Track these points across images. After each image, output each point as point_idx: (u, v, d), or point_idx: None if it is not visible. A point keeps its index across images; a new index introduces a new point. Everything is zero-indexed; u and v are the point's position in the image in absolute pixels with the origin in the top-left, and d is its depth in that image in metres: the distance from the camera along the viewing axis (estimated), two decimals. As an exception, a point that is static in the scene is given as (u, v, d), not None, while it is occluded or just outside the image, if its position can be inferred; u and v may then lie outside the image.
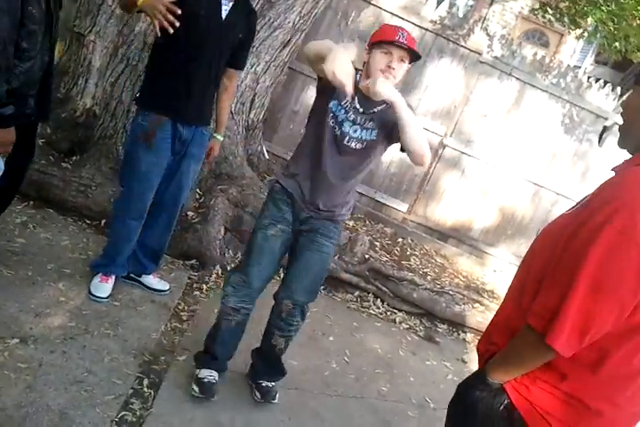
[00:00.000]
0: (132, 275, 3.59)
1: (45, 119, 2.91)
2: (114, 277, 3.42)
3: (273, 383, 3.16)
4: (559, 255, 1.63)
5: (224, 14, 3.01)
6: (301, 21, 4.89)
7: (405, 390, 3.73)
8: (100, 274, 3.39)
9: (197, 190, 4.42)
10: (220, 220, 4.21)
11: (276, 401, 3.12)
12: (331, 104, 2.73)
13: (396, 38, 2.59)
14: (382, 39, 2.63)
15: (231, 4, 3.03)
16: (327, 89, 2.68)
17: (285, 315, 2.94)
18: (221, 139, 3.56)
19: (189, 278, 3.99)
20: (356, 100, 2.72)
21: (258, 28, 4.53)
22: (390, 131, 2.74)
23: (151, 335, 3.22)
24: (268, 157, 5.45)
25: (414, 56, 2.68)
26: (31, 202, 4.06)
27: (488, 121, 6.05)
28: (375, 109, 2.73)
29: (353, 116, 2.72)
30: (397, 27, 2.73)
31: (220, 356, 3.04)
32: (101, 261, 3.43)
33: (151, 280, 3.64)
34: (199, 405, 2.86)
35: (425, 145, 2.66)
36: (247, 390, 3.15)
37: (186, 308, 3.66)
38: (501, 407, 1.72)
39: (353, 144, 2.74)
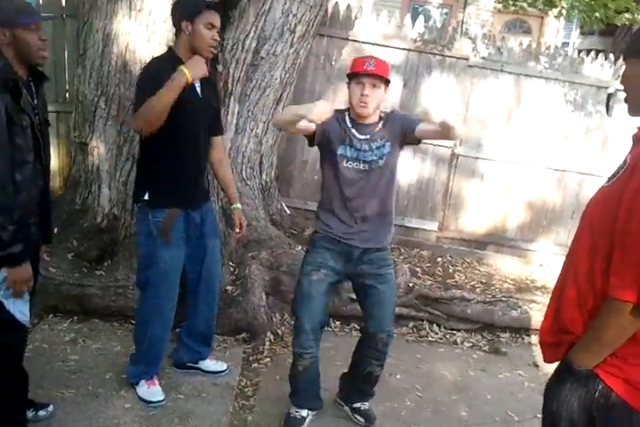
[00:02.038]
0: (188, 364, 3.64)
1: (49, 242, 2.94)
2: (156, 376, 3.41)
3: (367, 404, 3.42)
4: (624, 226, 1.66)
5: (199, 91, 3.13)
6: (287, 75, 4.97)
7: (486, 409, 3.72)
8: (143, 381, 3.36)
9: (230, 263, 4.47)
10: (259, 286, 4.27)
11: (375, 422, 3.35)
12: (339, 151, 3.00)
13: (364, 68, 2.88)
14: (353, 71, 2.93)
15: (200, 81, 3.12)
16: (323, 141, 3.02)
17: (381, 346, 3.18)
18: (240, 207, 3.58)
19: (244, 352, 4.02)
20: (354, 131, 2.99)
21: (248, 91, 4.76)
22: (399, 137, 2.99)
23: (221, 420, 3.27)
24: (289, 212, 5.49)
25: (385, 79, 2.93)
26: (75, 317, 4.14)
27: (493, 121, 6.04)
28: (376, 129, 2.99)
29: (361, 145, 2.98)
30: (367, 57, 3.05)
31: (302, 402, 3.32)
32: (138, 369, 3.39)
33: (208, 363, 3.67)
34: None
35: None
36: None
37: (248, 383, 3.71)
38: (596, 394, 1.75)
39: (374, 165, 2.99)
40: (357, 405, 3.40)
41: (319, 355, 3.25)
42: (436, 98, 5.94)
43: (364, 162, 2.99)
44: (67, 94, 5.33)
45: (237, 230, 3.53)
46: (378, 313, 3.16)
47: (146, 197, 3.13)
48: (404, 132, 2.99)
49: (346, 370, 3.47)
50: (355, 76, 2.92)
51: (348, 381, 3.44)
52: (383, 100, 2.99)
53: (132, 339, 3.43)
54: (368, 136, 2.98)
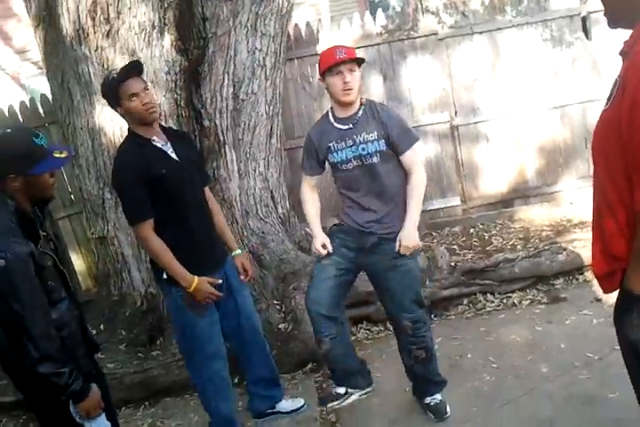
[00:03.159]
0: (267, 411, 3.71)
1: (97, 351, 2.95)
2: None
3: (438, 396, 3.44)
4: (630, 140, 1.72)
5: (174, 156, 3.11)
6: (271, 107, 5.11)
7: (564, 358, 3.74)
8: None
9: (274, 302, 4.58)
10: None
11: (448, 415, 3.36)
12: (331, 160, 3.19)
13: (337, 57, 3.00)
14: (328, 66, 3.03)
15: (169, 143, 3.13)
16: (322, 160, 3.25)
17: (411, 331, 3.27)
18: (240, 252, 3.53)
19: (315, 382, 4.11)
20: (339, 125, 3.16)
21: (239, 135, 4.91)
22: (389, 136, 3.09)
23: None
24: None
25: (359, 60, 3.10)
26: (146, 403, 4.24)
27: (480, 83, 6.08)
28: (356, 118, 3.12)
29: (350, 141, 3.11)
30: (332, 48, 3.10)
31: (337, 378, 3.56)
32: None
33: (285, 405, 3.73)
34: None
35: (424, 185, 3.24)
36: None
37: (329, 410, 3.73)
38: None
39: (370, 160, 3.10)
40: (428, 400, 3.44)
41: (344, 337, 3.41)
42: (419, 80, 6.04)
43: (357, 159, 3.10)
44: (71, 197, 5.57)
45: (242, 277, 3.47)
46: (396, 298, 3.23)
47: (164, 276, 3.12)
48: (394, 147, 3.10)
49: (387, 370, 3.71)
50: (329, 69, 3.03)
51: (410, 375, 3.50)
52: (360, 91, 3.12)
53: (204, 408, 3.50)
54: (351, 125, 3.11)
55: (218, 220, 3.45)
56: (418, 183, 3.17)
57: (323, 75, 3.10)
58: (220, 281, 3.18)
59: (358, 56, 3.10)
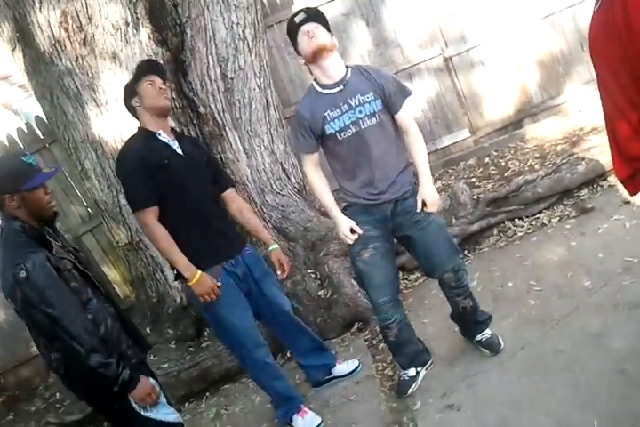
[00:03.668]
0: (325, 378, 3.78)
1: (148, 350, 3.05)
2: (302, 405, 3.53)
3: (488, 331, 3.47)
4: (629, 39, 1.68)
5: (179, 151, 3.17)
6: (262, 79, 5.10)
7: (604, 268, 3.73)
8: (295, 415, 3.48)
9: (308, 271, 4.62)
10: (345, 276, 4.40)
11: (502, 347, 3.40)
12: (327, 131, 3.03)
13: (295, 20, 2.96)
14: (291, 31, 3.00)
15: (175, 141, 3.19)
16: (317, 135, 3.09)
17: (455, 283, 3.27)
18: (277, 246, 3.55)
19: (365, 340, 4.17)
20: (327, 91, 3.03)
21: (237, 114, 4.91)
22: (385, 94, 3.02)
23: (381, 409, 3.43)
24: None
25: (321, 17, 3.02)
26: (206, 394, 4.35)
27: (462, 9, 5.97)
28: (345, 79, 3.01)
29: (345, 106, 2.99)
30: (295, 13, 3.03)
31: (406, 361, 3.45)
32: (283, 410, 3.52)
33: (340, 368, 3.80)
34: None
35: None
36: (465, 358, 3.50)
37: (385, 364, 3.83)
38: None
39: (369, 122, 3.00)
40: (479, 337, 3.46)
41: (405, 318, 3.38)
42: (402, 18, 5.96)
43: (355, 124, 2.98)
44: (89, 210, 5.66)
45: (279, 273, 3.50)
46: (431, 258, 3.21)
47: (174, 272, 3.21)
48: (389, 104, 3.04)
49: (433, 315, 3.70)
50: (295, 33, 2.97)
51: (457, 320, 3.54)
52: (335, 44, 3.03)
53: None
54: (341, 86, 2.99)
55: (248, 220, 3.50)
56: (420, 139, 3.15)
57: (293, 42, 3.03)
58: (219, 284, 3.16)
59: (322, 19, 3.01)
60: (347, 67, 3.06)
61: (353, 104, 2.98)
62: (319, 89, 3.05)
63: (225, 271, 3.23)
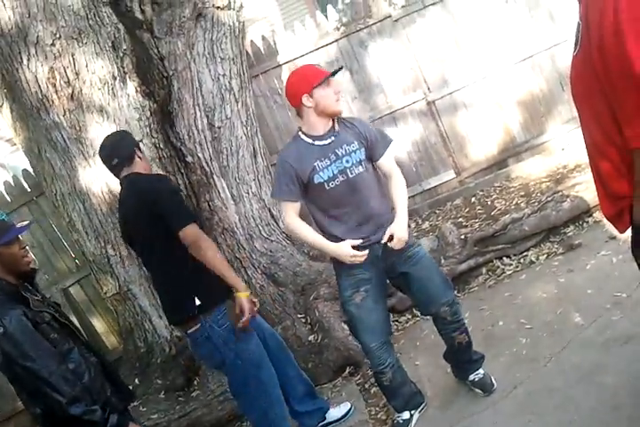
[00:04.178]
0: (320, 425, 3.73)
1: (132, 400, 3.05)
2: None
3: (481, 371, 3.45)
4: (606, 78, 1.73)
5: None
6: (249, 127, 5.15)
7: (594, 304, 3.73)
8: None
9: (298, 316, 4.60)
10: (335, 320, 4.36)
11: (495, 386, 3.38)
12: (316, 180, 3.01)
13: (323, 70, 3.05)
14: (320, 79, 2.97)
15: None
16: (303, 186, 3.06)
17: (451, 317, 3.25)
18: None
19: (357, 384, 4.13)
20: (318, 142, 3.03)
21: (224, 162, 4.94)
22: (368, 143, 3.08)
23: None
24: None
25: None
26: None
27: (445, 54, 6.09)
28: (334, 131, 3.05)
29: (333, 156, 3.01)
30: (304, 67, 3.16)
31: (400, 405, 3.42)
32: None
33: (333, 413, 3.77)
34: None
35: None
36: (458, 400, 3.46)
37: (377, 409, 3.79)
38: None
39: (356, 171, 3.03)
40: (472, 377, 3.44)
41: (397, 361, 3.36)
42: (385, 67, 6.07)
43: (342, 173, 3.00)
44: (76, 262, 5.66)
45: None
46: (427, 293, 3.20)
47: (197, 303, 3.10)
48: (372, 152, 3.10)
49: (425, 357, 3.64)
50: (320, 83, 2.95)
51: (450, 358, 3.52)
52: None
53: None
54: (333, 138, 3.02)
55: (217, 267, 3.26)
56: (402, 182, 3.19)
57: (309, 92, 2.96)
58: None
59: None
60: (333, 119, 3.09)
61: (340, 154, 3.01)
62: (308, 140, 3.05)
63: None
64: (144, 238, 3.23)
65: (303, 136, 3.07)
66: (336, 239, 3.09)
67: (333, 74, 3.02)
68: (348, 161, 3.01)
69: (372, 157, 3.12)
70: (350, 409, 3.81)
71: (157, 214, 3.05)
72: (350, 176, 3.02)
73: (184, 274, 3.14)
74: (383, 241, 3.07)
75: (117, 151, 3.20)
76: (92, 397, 2.51)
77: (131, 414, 2.89)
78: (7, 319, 2.41)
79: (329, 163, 3.01)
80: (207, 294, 3.15)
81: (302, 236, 3.17)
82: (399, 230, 3.05)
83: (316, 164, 3.00)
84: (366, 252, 3.03)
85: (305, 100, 2.97)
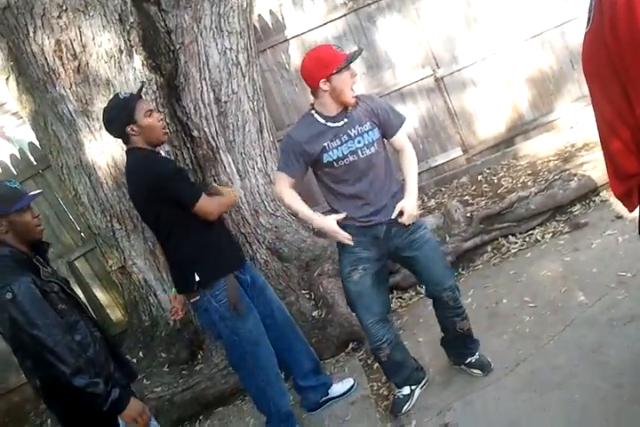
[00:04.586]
0: (321, 400, 3.75)
1: (135, 378, 3.04)
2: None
3: (477, 354, 3.46)
4: (619, 56, 1.72)
5: None
6: (255, 102, 5.13)
7: (598, 283, 3.74)
8: None
9: (302, 292, 4.62)
10: (339, 296, 4.36)
11: (492, 366, 3.41)
12: (325, 159, 3.01)
13: (344, 54, 2.92)
14: (340, 65, 2.88)
15: None
16: (309, 162, 3.07)
17: (452, 302, 3.25)
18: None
19: (360, 360, 4.15)
20: (331, 124, 3.00)
21: (231, 137, 4.92)
22: (381, 122, 3.06)
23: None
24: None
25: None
26: (200, 417, 4.30)
27: (453, 30, 6.02)
28: (349, 111, 3.01)
29: (345, 136, 2.99)
30: (329, 47, 3.02)
31: (400, 380, 3.45)
32: None
33: (336, 388, 3.79)
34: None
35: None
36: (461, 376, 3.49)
37: (379, 384, 3.82)
38: None
39: (368, 151, 3.01)
40: (468, 360, 3.46)
41: (397, 338, 3.39)
42: (393, 43, 6.01)
43: (353, 153, 2.99)
44: (82, 235, 5.68)
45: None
46: (430, 277, 3.21)
47: (197, 279, 3.15)
48: (386, 131, 3.09)
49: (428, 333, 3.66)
50: (342, 63, 2.89)
51: (448, 344, 3.53)
52: None
53: (258, 411, 3.56)
54: (346, 119, 2.99)
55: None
56: (413, 157, 3.18)
57: (328, 77, 2.89)
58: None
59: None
60: None
61: (352, 135, 2.99)
62: (322, 121, 3.01)
63: (238, 280, 3.27)
64: (146, 217, 3.31)
65: (317, 115, 3.04)
66: (343, 209, 3.11)
67: (352, 59, 2.93)
68: (360, 141, 3.00)
69: (385, 135, 3.11)
70: (353, 385, 3.83)
71: (156, 198, 3.07)
72: (361, 156, 3.01)
73: (183, 251, 3.19)
74: (393, 216, 3.08)
75: (110, 129, 3.19)
76: (95, 369, 2.51)
77: (133, 391, 2.88)
78: (16, 285, 2.40)
79: (340, 143, 3.00)
80: (207, 271, 3.18)
81: (290, 204, 3.21)
82: (409, 206, 3.06)
83: (326, 144, 3.00)
84: (348, 236, 3.04)
85: (322, 84, 2.92)
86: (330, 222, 3.04)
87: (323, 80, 2.90)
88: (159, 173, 3.06)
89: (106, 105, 3.21)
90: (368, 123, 3.02)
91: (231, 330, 3.24)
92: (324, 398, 3.77)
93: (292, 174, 3.12)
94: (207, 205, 3.11)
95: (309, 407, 3.80)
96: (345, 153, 2.99)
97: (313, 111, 3.05)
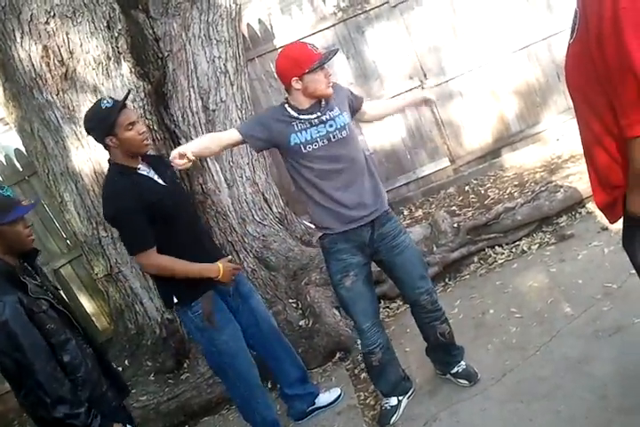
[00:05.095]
0: (308, 410, 3.74)
1: (128, 394, 2.95)
2: None
3: (463, 363, 3.46)
4: (603, 68, 1.72)
5: (160, 181, 3.12)
6: (243, 111, 5.13)
7: (584, 294, 3.74)
8: None
9: (289, 301, 4.60)
10: (326, 306, 4.38)
11: (479, 376, 3.40)
12: (292, 142, 2.96)
13: (317, 53, 2.90)
14: (312, 65, 2.86)
15: (152, 170, 3.14)
16: (271, 143, 3.05)
17: (430, 305, 3.27)
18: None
19: (347, 370, 4.14)
20: (304, 117, 2.96)
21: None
22: (350, 110, 3.10)
23: None
24: (313, 226, 5.43)
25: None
26: (186, 426, 4.25)
27: (442, 41, 6.05)
28: (321, 106, 2.99)
29: (315, 120, 2.96)
30: (296, 44, 3.03)
31: (387, 389, 3.44)
32: None
33: (322, 398, 3.78)
34: None
35: None
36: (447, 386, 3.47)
37: (367, 394, 3.80)
38: None
39: (339, 135, 2.98)
40: (455, 370, 3.45)
41: (388, 342, 3.38)
42: (382, 53, 6.03)
43: (324, 137, 2.95)
44: (67, 242, 5.64)
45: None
46: (409, 280, 3.22)
47: (175, 301, 3.15)
48: (353, 108, 3.14)
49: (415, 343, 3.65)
50: (311, 70, 2.86)
51: (433, 353, 3.52)
52: None
53: (245, 420, 3.53)
54: (319, 113, 2.96)
55: None
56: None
57: (299, 76, 2.89)
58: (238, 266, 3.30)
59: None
60: None
61: (324, 119, 2.97)
62: (295, 114, 2.98)
63: (216, 293, 3.21)
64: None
65: (289, 109, 3.01)
66: (330, 219, 3.07)
67: (326, 60, 2.92)
68: (331, 125, 2.97)
69: (354, 113, 3.18)
70: (340, 395, 3.82)
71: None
72: (333, 140, 2.97)
73: (160, 277, 3.16)
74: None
75: (90, 135, 3.14)
76: (89, 389, 2.44)
77: (126, 409, 2.83)
78: (1, 305, 2.28)
79: (309, 126, 2.96)
80: (183, 293, 3.15)
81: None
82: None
83: (294, 124, 2.97)
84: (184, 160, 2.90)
85: (294, 83, 2.91)
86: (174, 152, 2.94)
87: (295, 79, 2.90)
88: (111, 211, 3.01)
89: (87, 111, 3.12)
90: (336, 107, 3.01)
91: (208, 341, 3.22)
92: (310, 408, 3.75)
93: (245, 136, 3.04)
94: (145, 260, 3.03)
95: (296, 417, 3.78)
96: (313, 136, 2.95)
97: (286, 105, 3.02)
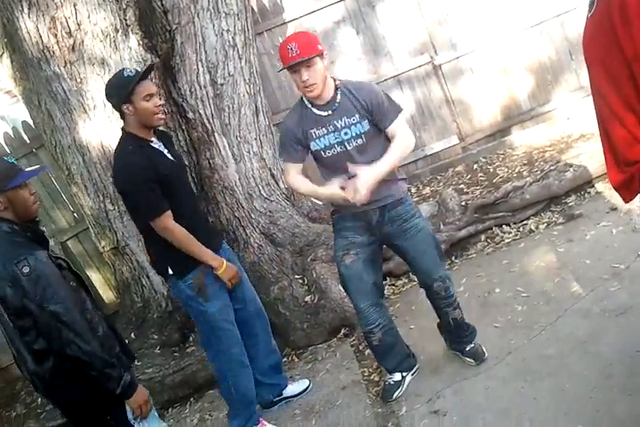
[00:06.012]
0: (275, 400, 3.75)
1: (134, 360, 3.00)
2: (261, 418, 3.53)
3: (473, 343, 3.46)
4: (627, 42, 1.68)
5: (170, 156, 3.19)
6: (251, 85, 5.09)
7: (591, 274, 3.74)
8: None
9: (296, 277, 4.61)
10: (332, 282, 4.37)
11: (486, 356, 3.40)
12: (313, 147, 3.04)
13: (289, 56, 2.83)
14: (284, 65, 2.89)
15: (162, 144, 3.20)
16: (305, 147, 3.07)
17: (444, 292, 3.26)
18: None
19: (351, 346, 4.16)
20: (316, 110, 3.00)
21: (226, 120, 4.90)
22: (373, 114, 3.00)
23: (366, 415, 3.41)
24: (320, 202, 5.40)
25: (313, 46, 2.87)
26: (191, 399, 4.35)
27: (452, 16, 5.96)
28: (335, 103, 2.98)
29: (331, 127, 2.98)
30: (287, 42, 2.89)
31: (391, 366, 3.45)
32: (240, 422, 3.44)
33: (291, 389, 3.79)
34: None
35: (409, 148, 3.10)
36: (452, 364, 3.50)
37: (371, 370, 3.82)
38: None
39: (355, 143, 2.99)
40: (465, 347, 3.45)
41: (390, 323, 3.39)
42: (391, 27, 5.94)
43: (340, 144, 2.99)
44: (74, 215, 5.65)
45: None
46: (422, 266, 3.22)
47: (170, 272, 3.22)
48: (376, 122, 3.01)
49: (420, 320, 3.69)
50: (288, 67, 2.86)
51: (445, 332, 3.53)
52: (327, 69, 2.96)
53: (221, 395, 3.56)
54: (330, 111, 2.97)
55: None
56: (402, 143, 3.03)
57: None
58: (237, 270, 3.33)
59: (318, 49, 2.89)
60: (336, 86, 3.01)
61: (339, 126, 2.98)
62: (309, 106, 3.02)
63: (209, 267, 3.23)
64: (125, 203, 3.36)
65: (305, 100, 3.05)
66: (337, 207, 3.16)
67: (287, 67, 2.88)
68: (346, 133, 2.99)
69: (378, 126, 3.04)
70: (308, 386, 3.83)
71: (124, 198, 3.19)
72: (348, 148, 3.01)
73: (157, 244, 3.21)
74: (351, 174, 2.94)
75: (109, 101, 3.17)
76: (107, 349, 2.47)
77: (134, 374, 2.86)
78: (33, 259, 2.32)
79: (325, 132, 3.00)
80: (179, 264, 3.20)
81: (302, 190, 3.26)
82: (363, 176, 2.85)
83: (311, 131, 3.01)
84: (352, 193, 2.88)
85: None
86: (334, 190, 2.94)
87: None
88: (127, 180, 3.07)
89: (111, 77, 3.20)
90: (357, 115, 2.98)
91: (196, 310, 3.29)
92: (277, 398, 3.77)
93: (294, 160, 3.14)
94: (164, 223, 3.07)
95: (263, 405, 3.79)
96: (331, 142, 3.01)
97: (303, 96, 3.06)
